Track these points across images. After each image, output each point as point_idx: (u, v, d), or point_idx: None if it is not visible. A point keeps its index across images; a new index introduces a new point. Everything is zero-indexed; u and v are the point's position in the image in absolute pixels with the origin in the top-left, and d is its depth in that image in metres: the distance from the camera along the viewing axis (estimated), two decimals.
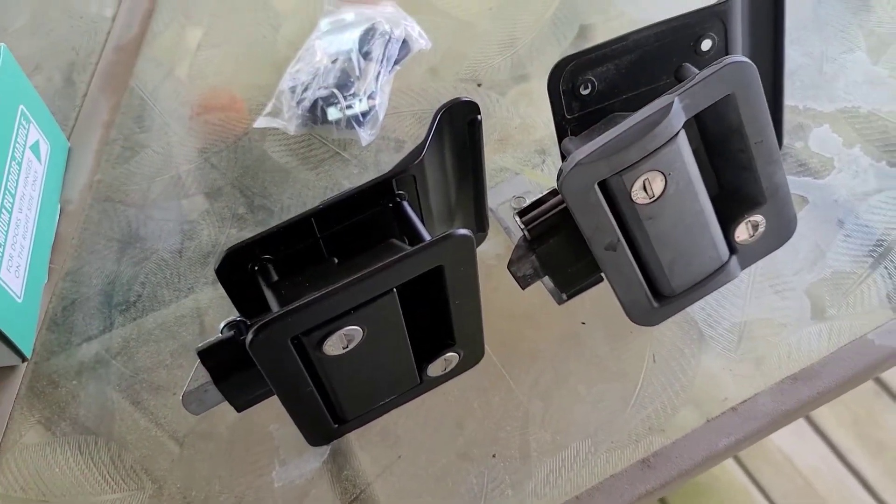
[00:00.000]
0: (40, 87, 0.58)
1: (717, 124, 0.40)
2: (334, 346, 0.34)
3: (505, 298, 0.46)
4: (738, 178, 0.41)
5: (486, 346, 0.43)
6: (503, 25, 0.60)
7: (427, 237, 0.36)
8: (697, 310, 0.44)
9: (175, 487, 0.41)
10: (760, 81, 0.38)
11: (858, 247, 0.45)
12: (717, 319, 0.44)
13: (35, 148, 0.50)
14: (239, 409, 0.39)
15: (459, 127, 0.39)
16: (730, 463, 1.41)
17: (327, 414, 0.39)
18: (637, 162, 0.36)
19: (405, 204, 0.37)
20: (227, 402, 0.38)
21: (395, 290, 0.35)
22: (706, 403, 0.41)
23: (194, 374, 0.38)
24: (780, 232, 0.44)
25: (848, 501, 1.37)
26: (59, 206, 0.53)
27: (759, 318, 0.44)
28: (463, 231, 0.34)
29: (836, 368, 0.41)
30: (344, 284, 0.33)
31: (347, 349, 0.35)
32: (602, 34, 0.58)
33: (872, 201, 0.47)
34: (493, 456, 0.41)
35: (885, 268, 0.44)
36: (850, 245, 0.45)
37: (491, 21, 0.60)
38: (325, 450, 0.42)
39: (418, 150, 0.37)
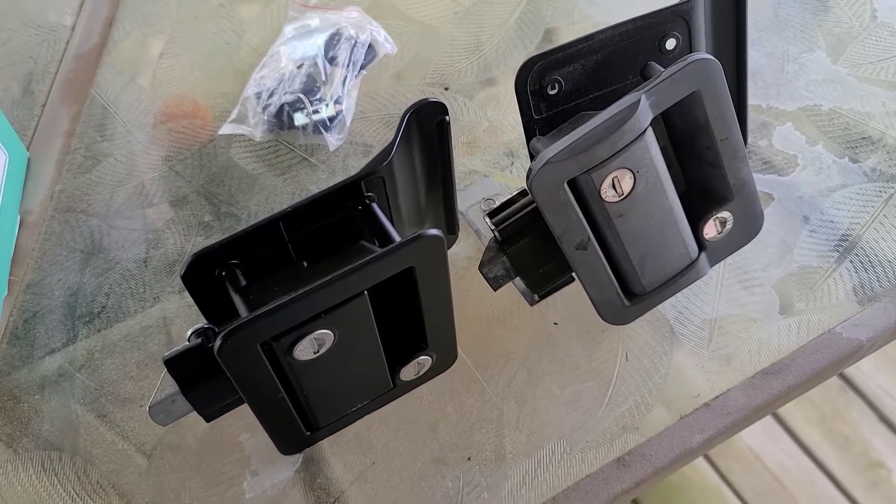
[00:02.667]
0: None
1: (684, 121, 0.40)
2: (305, 350, 0.34)
3: (477, 300, 0.45)
4: (705, 174, 0.42)
5: (459, 349, 0.42)
6: (469, 30, 0.60)
7: (397, 238, 0.36)
8: (668, 307, 0.44)
9: (143, 502, 0.40)
10: (724, 78, 0.39)
11: (824, 242, 0.46)
12: (688, 316, 0.44)
13: None
14: (208, 419, 0.38)
15: (428, 128, 0.39)
16: (701, 462, 1.42)
17: (299, 421, 0.39)
18: (606, 160, 0.36)
19: (374, 206, 0.37)
20: (195, 412, 0.37)
21: (365, 292, 0.34)
22: (679, 400, 0.41)
23: (161, 384, 0.37)
24: (748, 228, 0.44)
25: (817, 497, 1.39)
26: (18, 217, 0.51)
27: (730, 314, 0.44)
28: (433, 231, 0.34)
29: (805, 362, 0.42)
30: (314, 287, 0.32)
31: (318, 354, 0.34)
32: (567, 37, 0.58)
33: (836, 197, 0.47)
34: (469, 459, 0.40)
35: (851, 262, 0.45)
36: (816, 240, 0.46)
37: (456, 25, 0.60)
38: (298, 458, 0.41)
39: (386, 152, 0.37)
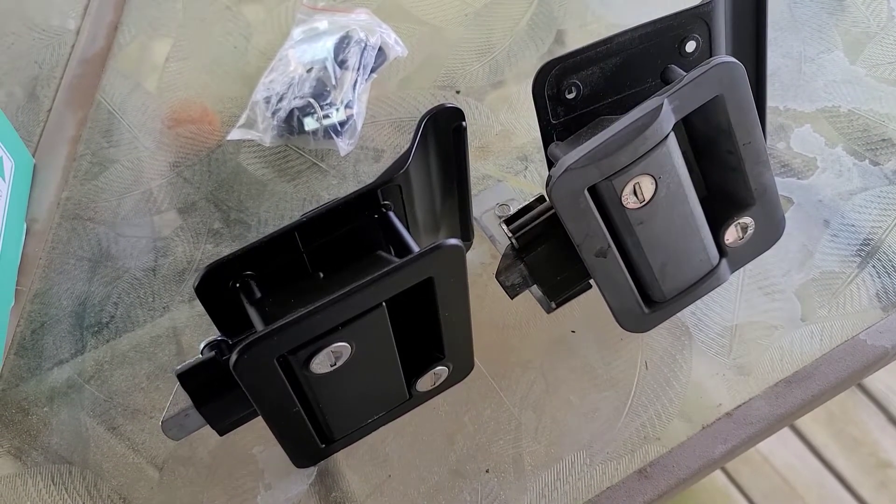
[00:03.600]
0: (1, 102, 0.56)
1: (706, 126, 0.39)
2: (322, 363, 0.33)
3: (492, 308, 0.45)
4: (726, 179, 0.41)
5: (475, 358, 0.42)
6: (479, 32, 0.59)
7: (415, 248, 0.35)
8: (688, 315, 0.44)
9: None
10: (748, 82, 0.38)
11: (845, 246, 0.45)
12: (708, 324, 0.43)
13: None
14: (221, 433, 0.38)
15: (444, 134, 0.38)
16: None
17: (314, 433, 0.38)
18: (627, 166, 0.35)
19: (391, 214, 0.36)
20: (208, 426, 0.37)
21: (384, 304, 0.33)
22: (701, 410, 0.41)
23: (174, 398, 0.36)
24: (769, 233, 0.43)
25: (825, 498, 1.39)
26: (24, 226, 0.50)
27: (750, 321, 0.43)
28: (453, 241, 0.33)
29: (829, 370, 0.41)
30: (332, 300, 0.31)
31: (336, 367, 0.34)
32: (579, 39, 0.57)
33: (857, 200, 0.46)
34: (487, 471, 0.40)
35: (873, 266, 0.44)
36: (838, 245, 0.45)
37: (467, 28, 0.59)
38: (312, 471, 0.40)
39: (403, 159, 0.36)
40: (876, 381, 1.49)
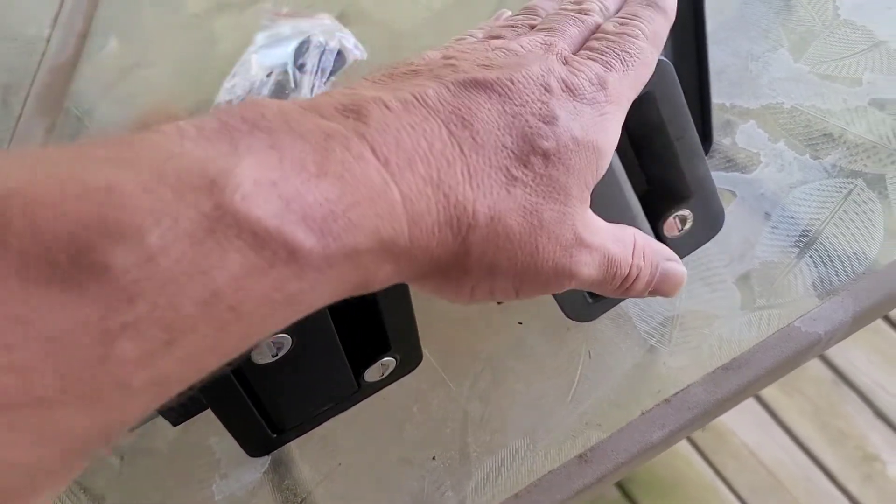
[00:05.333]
0: None
1: (640, 121, 0.41)
2: (263, 354, 0.35)
3: (442, 301, 0.46)
4: (663, 173, 0.42)
5: (425, 349, 0.43)
6: (441, 34, 0.60)
7: None
8: (631, 305, 0.45)
9: (116, 502, 0.41)
10: (677, 79, 0.39)
11: (785, 237, 0.46)
12: (651, 314, 0.45)
13: None
14: (174, 423, 0.39)
15: None
16: (696, 459, 1.43)
17: (264, 424, 0.39)
18: None
19: None
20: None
21: None
22: (641, 396, 0.42)
23: None
24: (709, 225, 0.45)
25: (812, 492, 1.40)
26: None
27: (692, 311, 0.45)
28: None
29: (764, 356, 0.42)
30: None
31: (277, 357, 0.35)
32: None
33: (797, 193, 0.48)
34: (433, 458, 0.41)
35: (811, 257, 0.45)
36: (777, 236, 0.47)
37: (428, 30, 0.61)
38: (266, 460, 0.42)
39: None
40: (861, 374, 1.50)
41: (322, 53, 0.55)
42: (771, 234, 0.47)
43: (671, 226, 0.43)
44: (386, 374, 0.41)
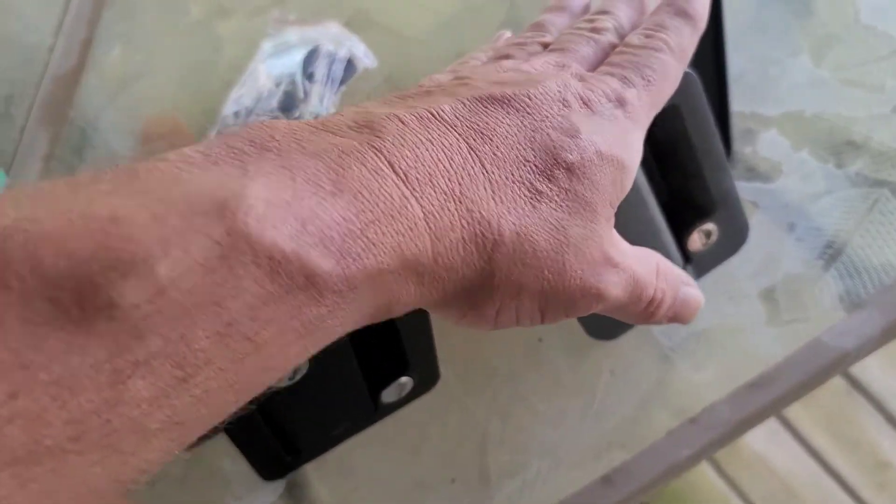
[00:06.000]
0: None
1: (664, 134, 0.40)
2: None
3: None
4: (687, 186, 0.41)
5: (442, 368, 0.42)
6: (450, 41, 0.59)
7: None
8: None
9: None
10: (703, 91, 0.38)
11: (810, 249, 0.45)
12: (673, 329, 0.44)
13: None
14: (188, 448, 0.38)
15: None
16: (708, 469, 1.42)
17: (280, 447, 0.38)
18: None
19: None
20: None
21: None
22: (665, 415, 0.41)
23: None
24: (734, 239, 0.44)
25: (824, 500, 1.38)
26: None
27: (715, 326, 0.44)
28: None
29: (791, 372, 0.41)
30: None
31: (294, 380, 0.34)
32: None
33: (822, 203, 0.47)
34: (453, 481, 0.40)
35: (836, 269, 0.44)
36: (802, 248, 0.45)
37: (437, 36, 0.60)
38: (281, 483, 0.41)
39: None
40: (874, 381, 1.49)
41: (332, 62, 0.53)
42: (795, 245, 0.46)
43: (695, 240, 0.42)
44: (403, 394, 0.40)
